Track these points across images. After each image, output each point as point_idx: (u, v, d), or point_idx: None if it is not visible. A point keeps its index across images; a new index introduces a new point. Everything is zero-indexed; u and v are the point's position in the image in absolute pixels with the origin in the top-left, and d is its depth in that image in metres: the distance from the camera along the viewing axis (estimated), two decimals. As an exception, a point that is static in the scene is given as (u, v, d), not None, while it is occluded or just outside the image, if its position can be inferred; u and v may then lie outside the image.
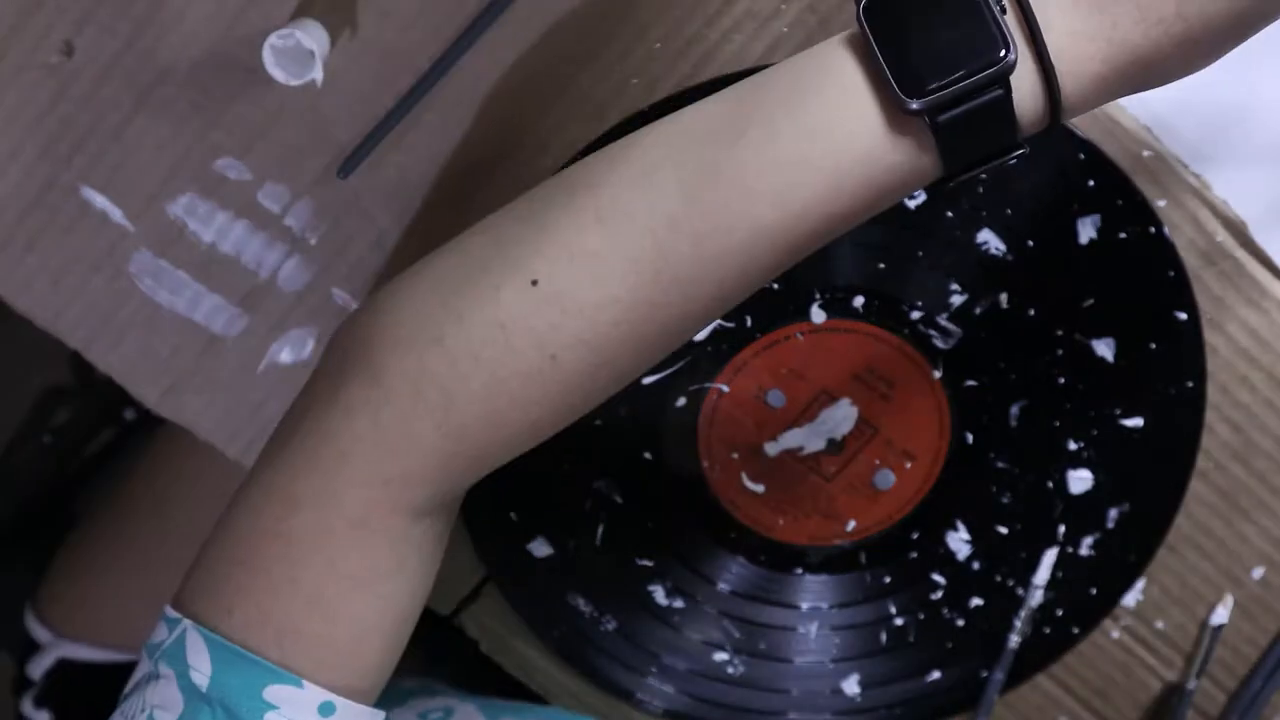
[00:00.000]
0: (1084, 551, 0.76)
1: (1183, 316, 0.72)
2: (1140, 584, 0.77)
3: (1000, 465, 0.75)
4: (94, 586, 0.95)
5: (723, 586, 0.77)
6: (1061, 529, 0.76)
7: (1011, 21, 0.51)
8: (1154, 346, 0.73)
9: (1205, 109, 0.71)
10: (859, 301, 0.72)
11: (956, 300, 0.72)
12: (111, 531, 0.97)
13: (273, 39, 0.63)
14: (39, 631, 0.94)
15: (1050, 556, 0.75)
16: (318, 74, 0.64)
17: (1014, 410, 0.74)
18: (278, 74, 0.63)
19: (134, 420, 1.18)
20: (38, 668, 0.93)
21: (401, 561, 0.57)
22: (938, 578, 0.77)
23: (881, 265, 0.71)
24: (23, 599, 1.09)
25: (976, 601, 0.77)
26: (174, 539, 0.91)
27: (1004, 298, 0.72)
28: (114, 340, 0.73)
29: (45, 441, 1.17)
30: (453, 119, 0.69)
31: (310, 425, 0.56)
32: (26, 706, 0.93)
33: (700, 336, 0.72)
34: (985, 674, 0.78)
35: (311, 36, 0.64)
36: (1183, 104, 0.71)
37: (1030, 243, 0.71)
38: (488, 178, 0.70)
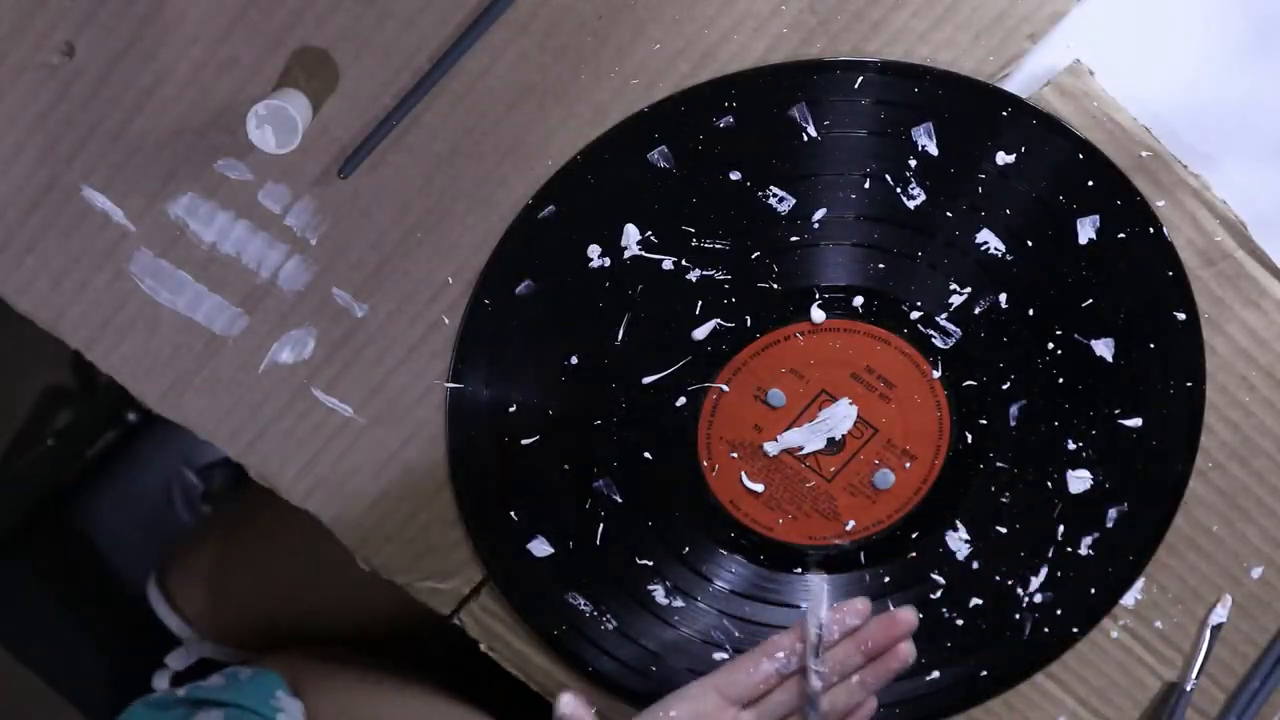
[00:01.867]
0: (1083, 551, 0.76)
1: (1182, 316, 0.72)
2: (1139, 584, 0.77)
3: (1000, 465, 0.75)
4: (226, 585, 0.98)
5: (722, 586, 0.77)
6: (1061, 529, 0.76)
7: None
8: (1153, 346, 0.73)
9: (1205, 109, 0.71)
10: (859, 301, 0.72)
11: (956, 300, 0.72)
12: (242, 522, 1.00)
13: (258, 108, 0.64)
14: (175, 623, 0.98)
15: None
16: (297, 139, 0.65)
17: (1013, 410, 0.74)
18: (267, 144, 0.65)
19: (136, 422, 1.17)
20: (179, 661, 0.97)
21: None
22: (937, 578, 0.77)
23: (881, 265, 0.72)
24: (25, 600, 1.09)
25: (976, 601, 0.77)
26: (295, 532, 0.93)
27: (1004, 298, 0.72)
28: (115, 341, 0.73)
29: (48, 444, 1.17)
30: (453, 119, 0.69)
31: None
32: (160, 682, 0.97)
33: (700, 336, 0.72)
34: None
35: (295, 106, 0.65)
36: (1182, 104, 0.71)
37: (1030, 243, 0.71)
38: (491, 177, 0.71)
